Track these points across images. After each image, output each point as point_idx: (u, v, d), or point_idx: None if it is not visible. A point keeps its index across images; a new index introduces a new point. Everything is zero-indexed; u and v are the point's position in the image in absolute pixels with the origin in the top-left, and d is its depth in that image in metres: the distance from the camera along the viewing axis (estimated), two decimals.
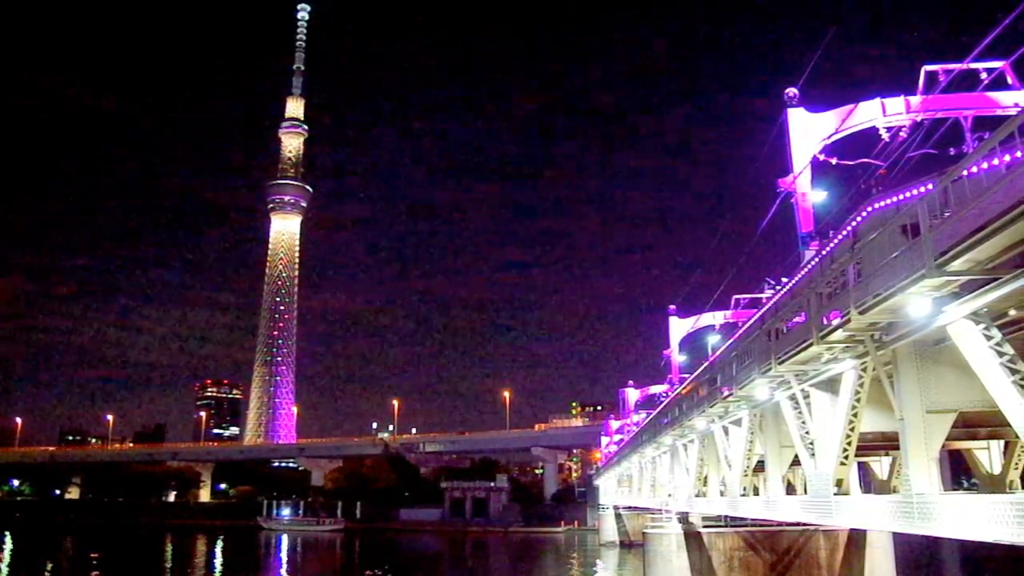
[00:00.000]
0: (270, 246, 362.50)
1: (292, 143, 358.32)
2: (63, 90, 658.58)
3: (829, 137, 30.20)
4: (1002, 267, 11.81)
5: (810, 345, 17.82)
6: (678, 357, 72.55)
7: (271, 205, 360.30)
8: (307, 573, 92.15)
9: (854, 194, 26.11)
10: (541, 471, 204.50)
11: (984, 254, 11.62)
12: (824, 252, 23.63)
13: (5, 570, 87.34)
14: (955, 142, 24.40)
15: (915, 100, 27.58)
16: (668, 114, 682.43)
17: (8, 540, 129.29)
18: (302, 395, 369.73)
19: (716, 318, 61.86)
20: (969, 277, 12.23)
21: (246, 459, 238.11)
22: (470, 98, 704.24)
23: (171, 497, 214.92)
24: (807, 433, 21.90)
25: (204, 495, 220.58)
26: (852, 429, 19.29)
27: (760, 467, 30.57)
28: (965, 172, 12.17)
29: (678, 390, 47.50)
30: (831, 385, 20.43)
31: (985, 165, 11.82)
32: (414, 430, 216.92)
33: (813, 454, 21.56)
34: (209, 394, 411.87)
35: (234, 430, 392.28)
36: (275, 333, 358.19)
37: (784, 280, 30.98)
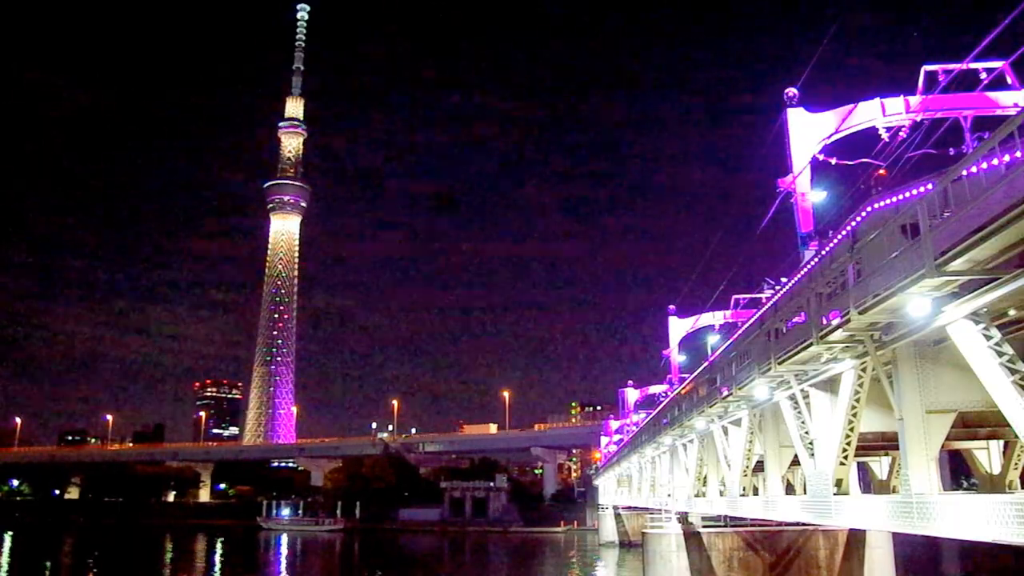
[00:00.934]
0: (270, 246, 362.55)
1: (291, 143, 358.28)
2: (63, 90, 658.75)
3: (829, 137, 30.18)
4: (1002, 267, 11.82)
5: (810, 345, 17.83)
6: (678, 357, 72.52)
7: (271, 205, 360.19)
8: (307, 573, 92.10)
9: (854, 194, 26.12)
10: (540, 471, 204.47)
11: (984, 254, 11.62)
12: (823, 252, 23.61)
13: (5, 570, 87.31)
14: (955, 142, 24.42)
15: (915, 100, 27.58)
16: (667, 114, 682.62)
17: (8, 540, 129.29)
18: (301, 395, 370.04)
19: (716, 318, 61.83)
20: (969, 277, 12.23)
21: (245, 459, 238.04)
22: (470, 98, 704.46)
23: (171, 497, 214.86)
24: (806, 433, 21.91)
25: (204, 495, 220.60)
26: (851, 429, 19.31)
27: (759, 467, 30.59)
28: (965, 172, 12.17)
29: (678, 390, 47.50)
30: (831, 385, 20.44)
31: (985, 165, 11.82)
32: (413, 430, 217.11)
33: (812, 454, 21.57)
34: (209, 394, 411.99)
35: (234, 430, 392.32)
36: (275, 333, 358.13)
37: (783, 280, 30.97)
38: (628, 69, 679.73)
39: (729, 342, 36.23)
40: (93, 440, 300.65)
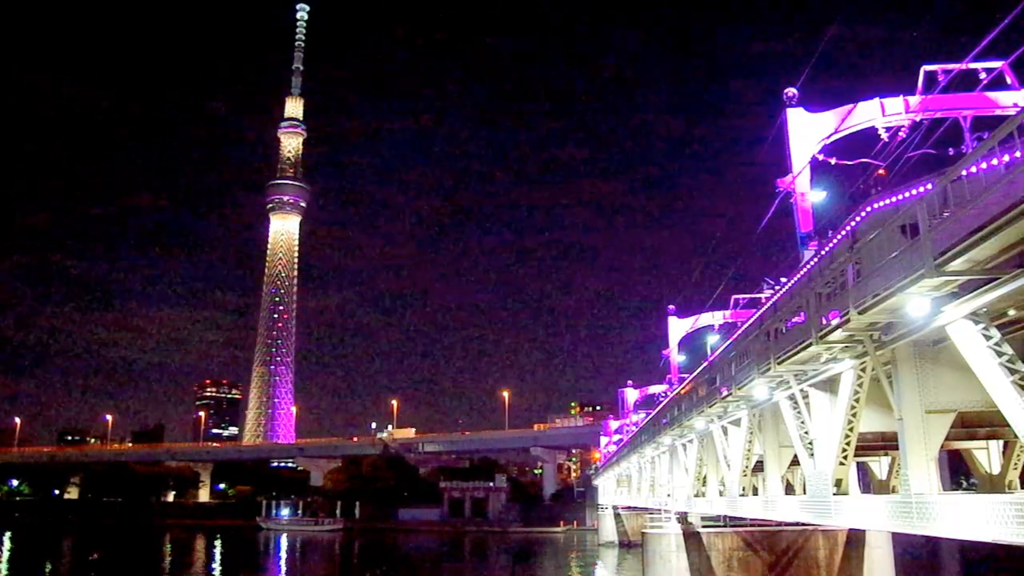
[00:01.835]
0: (269, 246, 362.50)
1: (291, 143, 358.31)
2: (62, 90, 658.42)
3: (828, 137, 30.20)
4: (1001, 267, 11.81)
5: (809, 345, 17.82)
6: (677, 357, 72.55)
7: (270, 205, 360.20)
8: (306, 573, 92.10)
9: (853, 194, 26.11)
10: (540, 471, 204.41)
11: (983, 254, 11.61)
12: (823, 252, 23.62)
13: (5, 570, 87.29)
14: (954, 142, 24.42)
15: (914, 100, 27.60)
16: (667, 114, 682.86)
17: (7, 540, 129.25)
18: (301, 395, 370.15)
19: (715, 318, 61.87)
20: (968, 277, 12.23)
21: (245, 459, 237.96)
22: (470, 97, 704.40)
23: (170, 497, 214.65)
24: (806, 433, 21.92)
25: (203, 495, 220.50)
26: (851, 429, 19.31)
27: (759, 467, 30.60)
28: (964, 172, 12.18)
29: (677, 390, 47.50)
30: (830, 385, 20.44)
31: (984, 165, 11.82)
32: (413, 430, 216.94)
33: (812, 454, 21.57)
34: (208, 394, 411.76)
35: (233, 430, 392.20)
36: (274, 333, 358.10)
37: (783, 280, 30.98)
38: (628, 69, 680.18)
39: (729, 342, 36.26)
40: (93, 440, 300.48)
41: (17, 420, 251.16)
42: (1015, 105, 25.49)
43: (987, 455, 22.84)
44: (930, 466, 16.00)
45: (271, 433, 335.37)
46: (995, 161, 11.63)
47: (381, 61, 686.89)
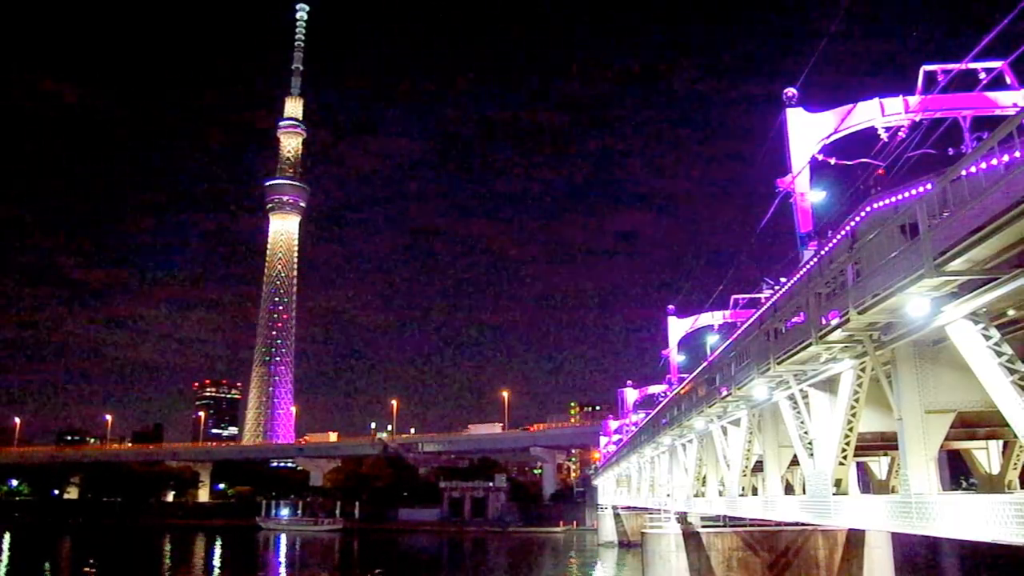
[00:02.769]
0: (269, 246, 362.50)
1: (291, 143, 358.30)
2: (61, 91, 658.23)
3: (828, 137, 30.20)
4: (1001, 267, 11.80)
5: (809, 345, 17.81)
6: (677, 357, 72.54)
7: (270, 205, 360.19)
8: (305, 573, 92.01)
9: (853, 194, 26.11)
10: (540, 471, 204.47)
11: (983, 254, 11.61)
12: (823, 252, 23.61)
13: (4, 570, 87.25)
14: (954, 142, 24.41)
15: (914, 100, 27.60)
16: (666, 114, 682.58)
17: (7, 540, 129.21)
18: (301, 395, 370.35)
19: (715, 318, 61.86)
20: (968, 277, 12.22)
21: (245, 459, 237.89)
22: (469, 97, 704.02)
23: (170, 497, 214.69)
24: (806, 433, 21.91)
25: (203, 495, 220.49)
26: (851, 429, 19.30)
27: (759, 467, 30.58)
28: (964, 172, 12.16)
29: (677, 390, 47.49)
30: (830, 385, 20.44)
31: (984, 165, 11.81)
32: (412, 430, 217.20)
33: (812, 454, 21.57)
34: (208, 394, 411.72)
35: (233, 430, 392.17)
36: (274, 333, 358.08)
37: (783, 280, 30.98)
38: (628, 69, 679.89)
39: (728, 342, 36.24)
40: (92, 440, 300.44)
41: (17, 420, 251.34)
42: (1015, 105, 25.48)
43: (987, 455, 22.83)
44: (930, 466, 15.99)
45: (271, 433, 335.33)
46: (995, 161, 11.62)
47: (381, 61, 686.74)
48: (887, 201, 18.50)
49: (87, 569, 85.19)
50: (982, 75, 24.20)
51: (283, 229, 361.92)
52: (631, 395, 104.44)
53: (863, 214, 19.79)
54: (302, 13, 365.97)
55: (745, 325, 34.18)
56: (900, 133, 27.39)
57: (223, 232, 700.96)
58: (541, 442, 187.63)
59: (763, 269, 39.78)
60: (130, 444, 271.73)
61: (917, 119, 26.78)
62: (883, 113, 28.43)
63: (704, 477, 39.37)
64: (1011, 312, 14.98)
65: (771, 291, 34.20)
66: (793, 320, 20.68)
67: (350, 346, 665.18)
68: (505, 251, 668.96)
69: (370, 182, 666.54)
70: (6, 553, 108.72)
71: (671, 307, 72.54)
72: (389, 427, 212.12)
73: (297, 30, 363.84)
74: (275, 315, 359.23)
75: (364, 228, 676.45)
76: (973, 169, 12.01)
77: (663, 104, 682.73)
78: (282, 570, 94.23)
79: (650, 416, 59.10)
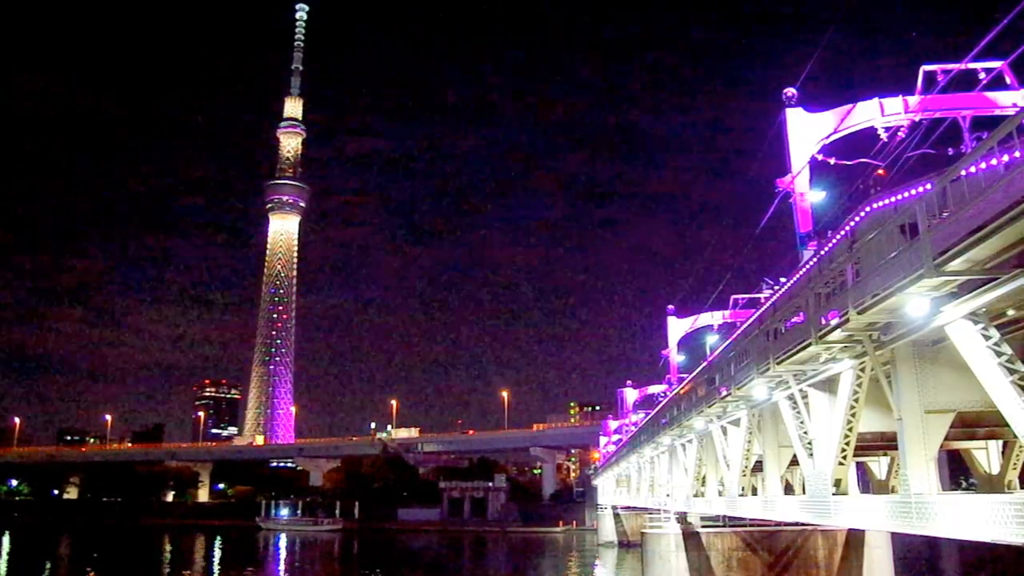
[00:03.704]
0: (268, 246, 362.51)
1: (290, 143, 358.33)
2: (62, 91, 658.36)
3: (827, 137, 30.19)
4: (1000, 267, 11.80)
5: (808, 345, 17.81)
6: (676, 357, 72.55)
7: (269, 205, 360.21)
8: (305, 573, 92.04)
9: (852, 194, 26.12)
10: (539, 471, 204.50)
11: (982, 254, 11.60)
12: (822, 252, 23.60)
13: (4, 570, 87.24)
14: (953, 142, 24.42)
15: (913, 100, 27.59)
16: (666, 115, 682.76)
17: (7, 540, 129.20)
18: (300, 395, 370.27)
19: (714, 318, 61.90)
20: (967, 277, 12.22)
21: (244, 459, 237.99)
22: (469, 98, 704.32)
23: (169, 497, 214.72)
24: (805, 433, 21.90)
25: (203, 495, 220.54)
26: (850, 429, 19.30)
27: (758, 467, 30.58)
28: (963, 172, 12.16)
29: (676, 390, 47.49)
30: (829, 385, 20.43)
31: (983, 165, 11.81)
32: (413, 430, 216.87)
33: (811, 454, 21.56)
34: (208, 394, 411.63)
35: (232, 430, 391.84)
36: (273, 333, 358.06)
37: (782, 280, 30.98)
38: (627, 68, 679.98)
39: (728, 342, 36.22)
40: (92, 440, 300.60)
41: (17, 420, 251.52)
42: (1014, 105, 25.47)
43: (986, 455, 22.83)
44: (929, 466, 15.99)
45: (270, 433, 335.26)
46: (994, 161, 11.63)
47: (381, 61, 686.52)
48: (887, 201, 18.51)
49: (87, 569, 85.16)
50: (982, 75, 24.20)
51: (283, 229, 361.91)
52: (631, 395, 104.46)
53: (863, 214, 19.80)
54: (302, 13, 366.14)
55: (745, 325, 34.18)
56: (900, 133, 27.39)
57: (223, 232, 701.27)
58: (541, 442, 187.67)
59: (763, 269, 39.84)
60: (130, 444, 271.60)
61: (917, 119, 26.79)
62: (883, 113, 28.43)
63: (704, 477, 39.37)
64: (1011, 312, 14.98)
65: (771, 291, 34.22)
66: (793, 320, 20.68)
67: (350, 346, 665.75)
68: (505, 251, 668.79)
69: (370, 182, 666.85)
70: (6, 553, 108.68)
71: (671, 307, 72.62)
72: (389, 427, 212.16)
73: (297, 30, 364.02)
74: (275, 315, 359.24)
75: (364, 228, 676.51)
76: (973, 169, 12.01)
77: (663, 104, 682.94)
78: (282, 570, 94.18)
79: (650, 416, 59.11)
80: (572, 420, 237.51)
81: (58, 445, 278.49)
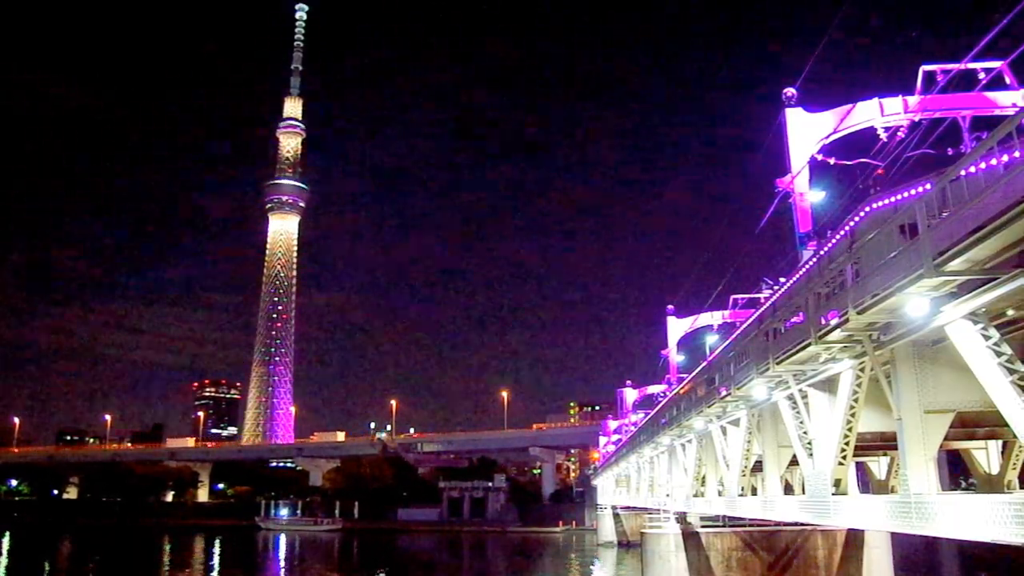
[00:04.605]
0: (268, 246, 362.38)
1: (290, 143, 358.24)
2: (60, 91, 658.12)
3: (827, 137, 30.18)
4: (1000, 267, 11.80)
5: (808, 345, 17.81)
6: (676, 357, 72.54)
7: (269, 205, 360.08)
8: (305, 573, 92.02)
9: (852, 194, 26.12)
10: (539, 471, 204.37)
11: (982, 254, 11.60)
12: (822, 252, 23.59)
13: (4, 570, 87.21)
14: (953, 142, 24.40)
15: (913, 100, 27.58)
16: (665, 115, 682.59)
17: (6, 540, 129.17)
18: (300, 395, 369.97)
19: (714, 318, 61.92)
20: (967, 277, 12.21)
21: (244, 459, 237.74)
22: (469, 98, 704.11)
23: (169, 497, 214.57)
24: (805, 433, 21.90)
25: (202, 495, 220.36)
26: (850, 429, 19.30)
27: (758, 467, 30.58)
28: (963, 172, 12.16)
29: (676, 390, 47.48)
30: (829, 385, 20.43)
31: (983, 165, 11.81)
32: (412, 430, 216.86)
33: (811, 454, 21.56)
34: (207, 394, 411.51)
35: (232, 430, 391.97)
36: (273, 333, 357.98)
37: (782, 280, 30.97)
38: (626, 68, 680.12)
39: (728, 342, 36.21)
40: (92, 440, 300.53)
41: (16, 420, 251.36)
42: (1014, 105, 25.47)
43: (986, 455, 22.84)
44: (929, 466, 15.98)
45: (270, 433, 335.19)
46: (994, 161, 11.62)
47: (381, 61, 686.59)
48: (886, 201, 18.49)
49: (87, 569, 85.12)
50: (981, 75, 24.19)
51: (282, 229, 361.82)
52: (630, 395, 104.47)
53: (862, 214, 19.78)
54: (302, 13, 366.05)
55: (745, 325, 34.17)
56: (899, 133, 27.39)
57: (223, 232, 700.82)
58: (540, 442, 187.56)
59: (763, 269, 39.81)
60: (130, 444, 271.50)
61: (916, 119, 26.78)
62: (882, 113, 28.41)
63: (703, 477, 39.37)
64: (1010, 312, 14.98)
65: (770, 291, 34.20)
66: (792, 320, 20.68)
67: (350, 346, 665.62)
68: (505, 250, 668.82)
69: (369, 182, 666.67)
70: (6, 553, 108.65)
71: (670, 307, 72.58)
72: (388, 427, 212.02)
73: (297, 30, 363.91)
74: (275, 315, 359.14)
75: (364, 228, 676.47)
76: (972, 169, 12.00)
77: (663, 103, 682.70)
78: (281, 570, 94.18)
79: (649, 416, 59.10)
80: (572, 420, 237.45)
81: (58, 445, 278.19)
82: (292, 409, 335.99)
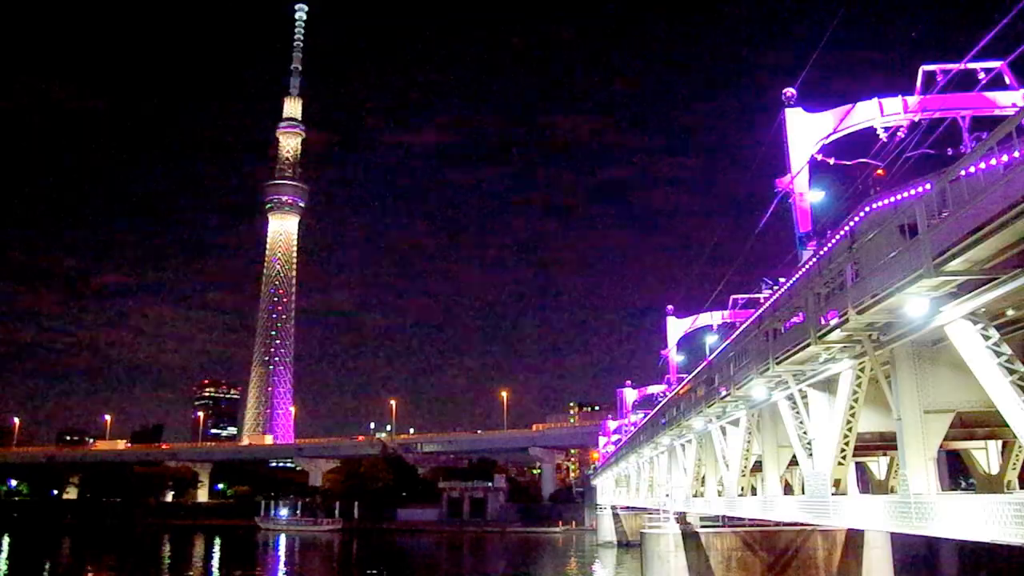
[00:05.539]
0: (268, 246, 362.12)
1: (290, 143, 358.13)
2: (59, 91, 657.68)
3: (827, 137, 30.18)
4: (1000, 267, 11.80)
5: (808, 345, 17.81)
6: (676, 357, 72.56)
7: (269, 205, 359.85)
8: (305, 573, 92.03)
9: (852, 194, 26.11)
10: (539, 471, 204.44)
11: (982, 254, 11.60)
12: (822, 252, 23.60)
13: (3, 570, 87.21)
14: (953, 142, 24.41)
15: (912, 100, 27.58)
16: (665, 114, 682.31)
17: (6, 540, 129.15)
18: (300, 395, 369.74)
19: (714, 318, 61.88)
20: (967, 277, 12.21)
21: (244, 459, 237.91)
22: (469, 97, 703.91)
23: (169, 497, 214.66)
24: (805, 433, 21.90)
25: (202, 495, 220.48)
26: (850, 429, 19.30)
27: (758, 467, 30.58)
28: (963, 172, 12.17)
29: (676, 390, 47.49)
30: (829, 385, 20.43)
31: (983, 165, 11.81)
32: (412, 430, 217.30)
33: (811, 454, 21.56)
34: (207, 394, 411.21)
35: (232, 430, 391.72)
36: (273, 333, 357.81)
37: (782, 280, 30.98)
38: (626, 67, 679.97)
39: (727, 342, 36.22)
40: (91, 440, 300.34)
41: (16, 420, 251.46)
42: (1013, 105, 25.47)
43: (986, 455, 22.84)
44: (929, 466, 15.99)
45: (270, 433, 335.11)
46: (994, 161, 11.63)
47: (381, 61, 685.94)
48: (886, 201, 18.49)
49: (87, 569, 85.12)
50: (981, 75, 24.19)
51: (282, 229, 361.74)
52: (630, 395, 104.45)
53: (862, 214, 19.78)
54: (301, 13, 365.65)
55: (744, 325, 34.18)
56: (899, 133, 27.39)
57: (222, 232, 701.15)
58: (540, 442, 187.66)
59: (762, 269, 39.82)
60: (129, 444, 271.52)
61: (916, 119, 26.79)
62: (882, 113, 28.42)
63: (703, 477, 39.38)
64: (1010, 312, 14.98)
65: (770, 291, 34.21)
66: (792, 320, 20.68)
67: (349, 346, 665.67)
68: (504, 251, 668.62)
69: (369, 182, 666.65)
70: (6, 553, 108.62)
71: (670, 307, 72.60)
72: (388, 427, 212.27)
73: (296, 30, 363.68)
74: (274, 315, 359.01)
75: (363, 228, 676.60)
76: (972, 169, 12.01)
77: (663, 103, 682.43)
78: (281, 571, 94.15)
79: (649, 416, 59.10)
80: (571, 420, 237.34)
81: (57, 445, 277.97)
82: (292, 409, 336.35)
